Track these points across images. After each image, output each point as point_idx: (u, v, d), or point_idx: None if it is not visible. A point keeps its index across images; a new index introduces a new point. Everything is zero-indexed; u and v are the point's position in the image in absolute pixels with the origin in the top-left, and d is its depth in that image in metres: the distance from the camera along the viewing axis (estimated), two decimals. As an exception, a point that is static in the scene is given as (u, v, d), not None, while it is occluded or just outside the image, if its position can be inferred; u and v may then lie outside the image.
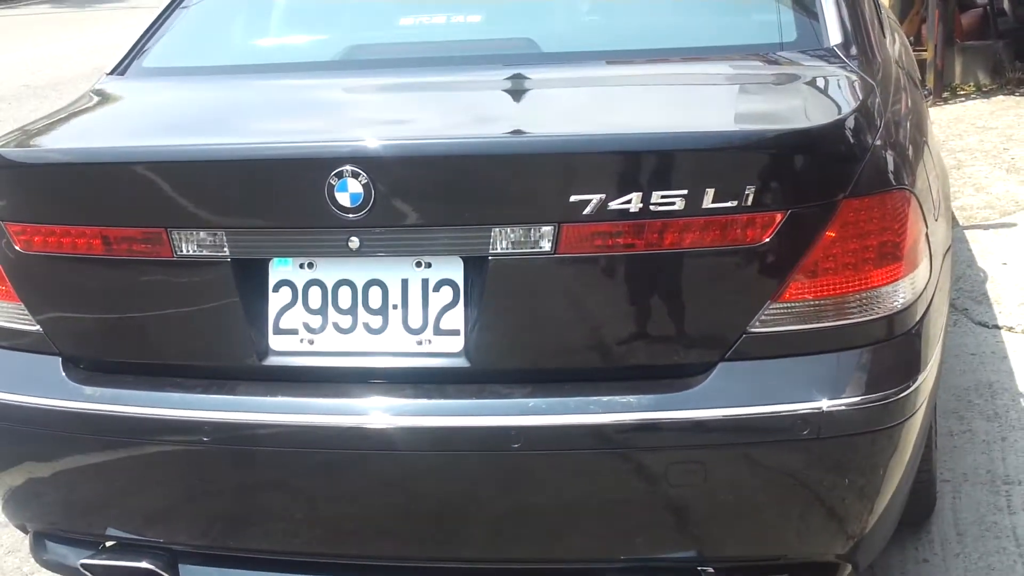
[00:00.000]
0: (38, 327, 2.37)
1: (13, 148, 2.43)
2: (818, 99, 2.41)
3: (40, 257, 2.32)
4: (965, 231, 5.13)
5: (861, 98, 2.27)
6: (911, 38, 7.84)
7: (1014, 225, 5.16)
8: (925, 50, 7.68)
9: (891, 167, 2.21)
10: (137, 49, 3.00)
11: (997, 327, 4.12)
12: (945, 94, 7.93)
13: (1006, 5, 8.28)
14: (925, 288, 2.25)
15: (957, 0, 8.12)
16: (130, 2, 19.21)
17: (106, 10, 17.95)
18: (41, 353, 2.39)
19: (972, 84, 8.15)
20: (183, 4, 3.14)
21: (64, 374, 2.36)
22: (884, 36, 2.89)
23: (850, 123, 2.15)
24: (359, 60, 2.90)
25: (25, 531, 2.65)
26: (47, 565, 2.61)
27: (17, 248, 2.33)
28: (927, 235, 2.30)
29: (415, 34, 3.03)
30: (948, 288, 2.65)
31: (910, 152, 2.41)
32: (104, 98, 2.84)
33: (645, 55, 2.70)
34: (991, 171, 6.09)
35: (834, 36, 2.56)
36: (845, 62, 2.48)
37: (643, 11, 3.00)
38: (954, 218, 5.34)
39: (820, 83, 2.46)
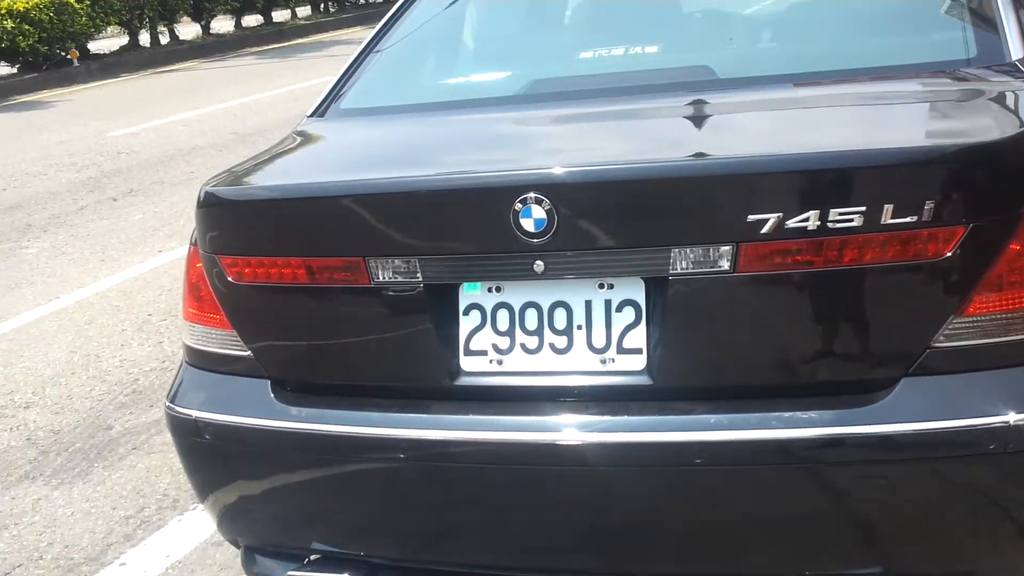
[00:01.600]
0: (249, 352, 2.52)
1: (223, 187, 2.58)
2: (999, 113, 2.38)
3: (250, 287, 2.48)
4: None
5: None
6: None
7: None
8: None
9: None
10: (334, 92, 3.17)
11: None
12: None
13: None
14: None
15: None
16: (328, 51, 20.03)
17: (307, 59, 18.72)
18: (251, 377, 2.54)
19: None
20: (376, 49, 3.31)
21: (273, 396, 2.50)
22: None
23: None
24: (541, 93, 2.98)
25: (237, 546, 2.81)
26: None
27: (229, 279, 2.48)
28: None
29: (594, 66, 3.11)
30: None
31: None
32: (305, 139, 3.01)
33: (822, 76, 2.73)
34: None
35: (1016, 51, 2.55)
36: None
37: (819, 33, 3.04)
38: None
39: (1002, 97, 2.43)
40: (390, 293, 2.34)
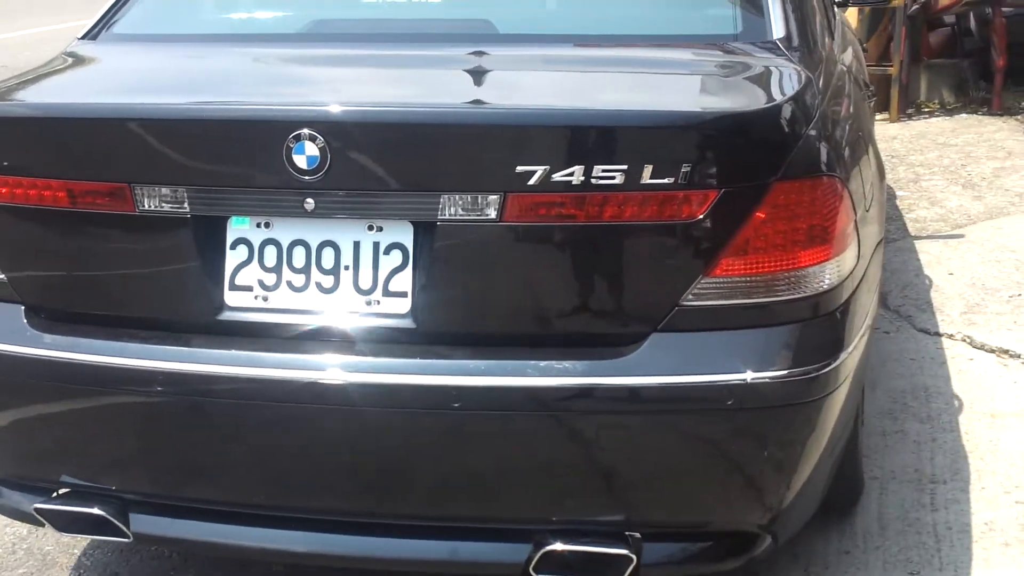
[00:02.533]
0: (2, 276, 2.45)
1: None
2: (757, 87, 2.52)
3: (5, 208, 2.41)
4: (916, 242, 5.23)
5: (797, 88, 2.38)
6: (878, 54, 7.98)
7: (963, 237, 5.27)
8: (891, 66, 7.80)
9: (823, 155, 2.31)
10: (108, 16, 3.07)
11: (938, 334, 4.21)
12: (910, 110, 8.06)
13: (972, 25, 8.42)
14: (852, 273, 2.36)
15: (925, 19, 8.24)
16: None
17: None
18: (2, 301, 2.47)
19: (936, 101, 8.28)
20: None
21: (26, 321, 2.44)
22: (830, 38, 3.02)
23: (784, 110, 2.25)
24: (322, 34, 3.01)
25: None
26: (0, 510, 2.70)
27: None
28: (856, 223, 2.40)
29: (377, 11, 3.14)
30: (878, 279, 2.76)
31: (844, 144, 2.53)
32: (75, 60, 2.92)
33: (595, 40, 2.83)
34: (947, 186, 6.21)
35: (778, 30, 2.66)
36: (787, 55, 2.59)
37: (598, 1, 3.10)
38: (906, 228, 5.46)
39: (760, 72, 2.56)
40: (155, 222, 2.31)
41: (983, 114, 7.92)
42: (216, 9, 3.33)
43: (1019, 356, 4.00)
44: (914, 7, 7.99)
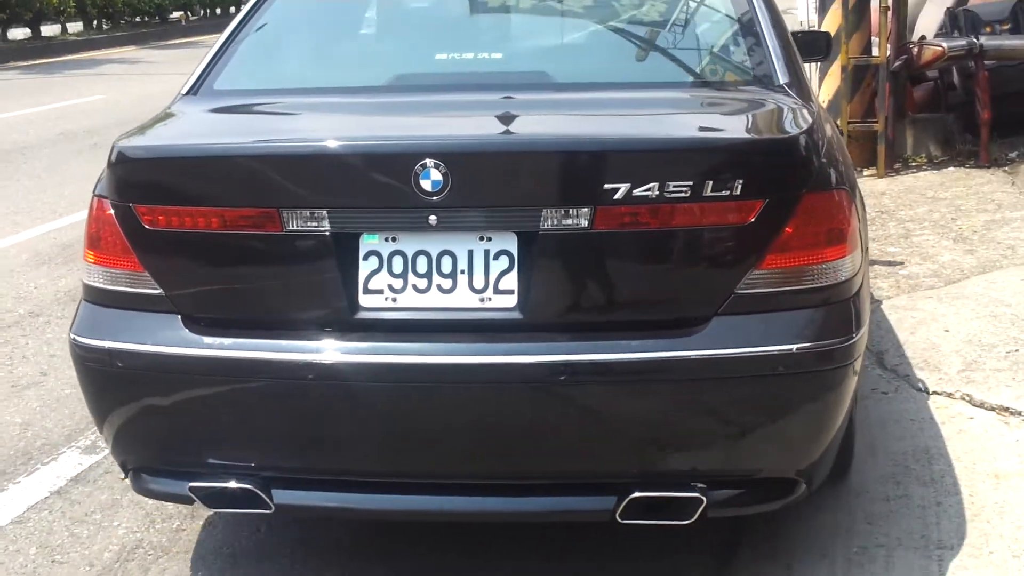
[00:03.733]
0: (160, 291, 2.87)
1: (138, 145, 2.98)
2: (781, 120, 3.06)
3: (165, 233, 2.83)
4: (910, 299, 5.20)
5: (811, 121, 2.93)
6: (863, 111, 8.01)
7: (957, 293, 5.23)
8: (876, 122, 7.82)
9: (834, 172, 2.90)
10: (205, 75, 3.49)
11: (937, 393, 4.16)
12: (897, 165, 8.07)
13: (956, 79, 8.46)
14: (860, 269, 2.93)
15: (908, 73, 8.28)
16: (99, 68, 19.36)
17: (76, 76, 18.06)
18: (161, 312, 2.87)
19: (923, 156, 8.31)
20: (238, 38, 3.65)
21: (185, 328, 2.86)
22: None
23: (807, 137, 2.82)
24: (408, 85, 3.49)
25: (126, 469, 3.10)
26: (153, 495, 3.14)
27: (145, 226, 2.83)
28: (860, 229, 2.97)
29: (452, 66, 3.62)
30: (868, 279, 3.23)
31: (843, 164, 3.07)
32: (192, 110, 3.36)
33: (648, 85, 3.37)
34: (939, 240, 6.19)
35: (783, 77, 3.27)
36: (792, 96, 3.18)
37: (638, 53, 3.69)
38: (899, 285, 5.42)
39: (779, 109, 3.10)
40: (299, 240, 2.77)
41: (971, 167, 7.94)
42: (301, 65, 3.78)
43: (1020, 413, 3.95)
44: (897, 63, 8.03)
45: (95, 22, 25.79)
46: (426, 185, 2.63)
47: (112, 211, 2.88)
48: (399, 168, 2.66)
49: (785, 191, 2.73)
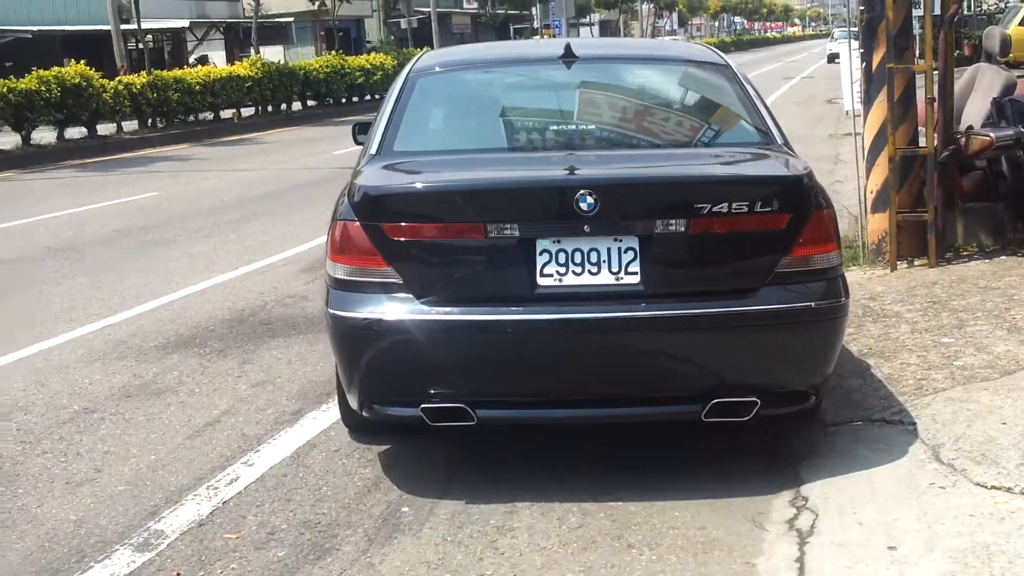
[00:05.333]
0: (399, 279, 4.33)
1: (378, 186, 4.51)
2: (792, 166, 4.64)
3: (405, 240, 4.33)
4: (965, 391, 5.12)
5: (806, 165, 4.62)
6: (912, 201, 7.97)
7: (1014, 385, 5.16)
8: (926, 212, 7.80)
9: (825, 199, 4.55)
10: (382, 142, 4.93)
11: (996, 488, 4.08)
12: (948, 255, 8.02)
13: (1005, 168, 8.42)
14: (841, 260, 4.59)
15: (956, 164, 8.26)
16: (153, 166, 19.73)
17: (130, 174, 18.41)
18: (398, 293, 4.34)
19: (974, 245, 8.24)
20: (397, 116, 5.05)
21: (419, 303, 4.33)
22: None
23: (812, 175, 4.53)
24: (538, 143, 5.22)
25: (363, 406, 4.53)
26: (390, 418, 4.60)
27: (389, 236, 4.33)
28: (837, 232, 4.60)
29: (567, 134, 5.25)
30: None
31: (825, 194, 4.65)
32: (390, 163, 4.76)
33: (697, 144, 5.21)
34: (993, 331, 6.10)
35: (779, 139, 4.98)
36: (788, 151, 4.90)
37: (678, 124, 5.44)
38: (954, 376, 5.35)
39: (786, 160, 4.74)
40: (498, 242, 4.31)
41: (1023, 255, 7.85)
42: (454, 133, 5.27)
43: (1082, 508, 3.86)
44: (945, 153, 8.02)
45: (149, 120, 26.34)
46: (584, 206, 4.23)
47: (361, 228, 4.35)
48: (567, 195, 4.26)
49: (802, 209, 4.40)
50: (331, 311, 4.39)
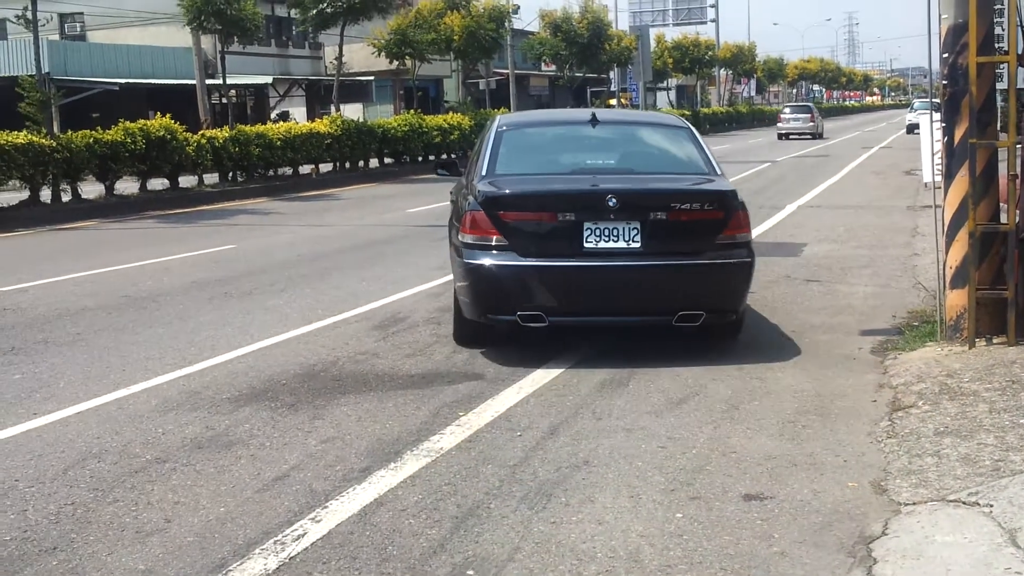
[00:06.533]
0: (507, 242, 7.86)
1: (496, 191, 8.10)
2: (727, 185, 8.36)
3: (513, 220, 7.89)
4: (1045, 474, 5.03)
5: (733, 185, 8.42)
6: (991, 277, 7.86)
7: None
8: (1006, 289, 7.68)
9: (742, 203, 8.20)
10: (489, 169, 8.44)
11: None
12: (1028, 333, 7.87)
13: (1088, 246, 8.27)
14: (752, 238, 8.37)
15: (1038, 240, 8.13)
16: (232, 219, 20.06)
17: (209, 226, 18.74)
18: (506, 251, 7.87)
19: (1056, 324, 8.08)
20: (493, 154, 8.62)
21: (518, 255, 7.86)
22: None
23: (734, 191, 8.22)
24: (586, 170, 8.75)
25: (481, 317, 8.07)
26: (496, 321, 8.05)
27: (503, 219, 7.87)
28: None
29: (596, 165, 9.00)
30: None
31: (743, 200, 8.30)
32: (498, 180, 8.28)
33: (670, 173, 8.90)
34: (1075, 413, 5.99)
35: (718, 170, 8.68)
36: (722, 176, 8.61)
37: (667, 160, 9.20)
38: (1034, 460, 5.24)
39: (722, 182, 8.45)
40: (563, 222, 7.85)
41: (1106, 336, 7.69)
42: (531, 163, 8.81)
43: None
44: (1026, 229, 7.91)
45: (230, 174, 26.80)
46: (611, 203, 7.74)
47: (484, 214, 7.83)
48: (602, 198, 7.77)
49: (731, 209, 8.00)
50: (466, 261, 7.87)
